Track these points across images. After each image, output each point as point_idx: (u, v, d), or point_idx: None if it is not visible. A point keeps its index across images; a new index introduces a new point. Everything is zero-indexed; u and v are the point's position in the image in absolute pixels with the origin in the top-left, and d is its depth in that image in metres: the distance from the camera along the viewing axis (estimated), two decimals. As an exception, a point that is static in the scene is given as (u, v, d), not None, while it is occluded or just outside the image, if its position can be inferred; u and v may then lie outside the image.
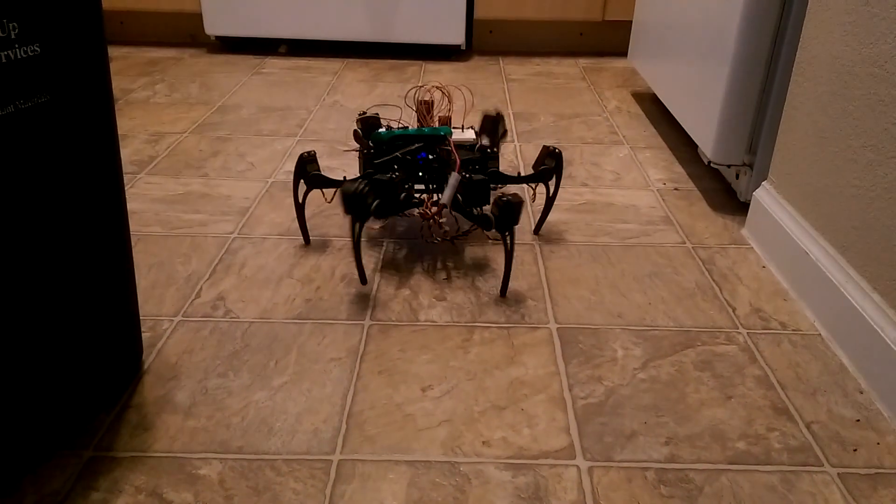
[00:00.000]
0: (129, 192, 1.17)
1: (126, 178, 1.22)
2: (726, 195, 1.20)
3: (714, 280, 0.96)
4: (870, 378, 0.76)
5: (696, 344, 0.83)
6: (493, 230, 0.90)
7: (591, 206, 1.16)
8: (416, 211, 0.93)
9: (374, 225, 1.09)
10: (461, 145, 1.01)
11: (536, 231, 1.08)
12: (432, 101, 1.08)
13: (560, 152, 1.00)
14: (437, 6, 1.92)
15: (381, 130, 1.02)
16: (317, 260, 0.98)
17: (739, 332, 0.85)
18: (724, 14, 1.09)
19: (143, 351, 0.80)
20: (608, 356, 0.80)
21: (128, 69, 1.86)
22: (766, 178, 1.05)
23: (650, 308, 0.89)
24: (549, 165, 1.00)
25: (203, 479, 0.63)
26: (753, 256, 1.02)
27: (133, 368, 0.76)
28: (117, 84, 1.74)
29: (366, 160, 1.01)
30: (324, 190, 1.04)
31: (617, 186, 1.24)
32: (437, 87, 1.16)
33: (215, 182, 1.22)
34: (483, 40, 2.15)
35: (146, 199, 1.15)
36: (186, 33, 2.14)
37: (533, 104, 1.66)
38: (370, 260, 0.98)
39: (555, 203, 1.14)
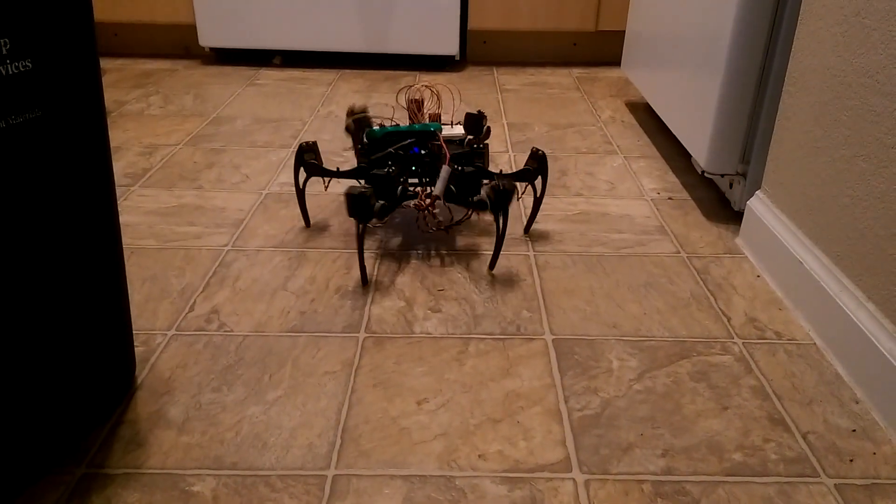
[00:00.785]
0: (123, 204, 1.17)
1: (119, 190, 1.22)
2: (720, 204, 1.21)
3: (709, 290, 0.96)
4: (865, 388, 0.76)
5: (692, 354, 0.83)
6: (489, 211, 0.98)
7: (586, 216, 1.16)
8: (411, 203, 1.00)
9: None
10: (450, 140, 1.07)
11: (526, 230, 1.10)
12: (422, 100, 1.14)
13: (544, 154, 1.06)
14: (432, 17, 1.93)
15: (374, 128, 1.07)
16: (311, 272, 0.98)
17: (735, 342, 0.85)
18: (717, 24, 1.09)
19: (137, 366, 0.79)
20: (604, 367, 0.80)
21: (122, 81, 1.86)
22: (759, 188, 1.06)
23: (645, 318, 0.89)
24: (532, 167, 1.06)
25: (197, 495, 0.63)
26: (748, 266, 1.02)
27: (126, 384, 0.76)
28: (111, 96, 1.74)
29: (361, 155, 1.07)
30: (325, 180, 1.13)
31: (611, 196, 1.24)
32: (427, 87, 1.19)
33: (209, 194, 1.21)
34: (477, 51, 2.16)
35: (140, 211, 1.14)
36: (181, 45, 2.14)
37: (527, 114, 1.66)
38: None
39: (550, 213, 1.16)
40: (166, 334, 0.85)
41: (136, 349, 0.82)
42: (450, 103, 1.72)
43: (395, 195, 0.97)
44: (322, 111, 1.65)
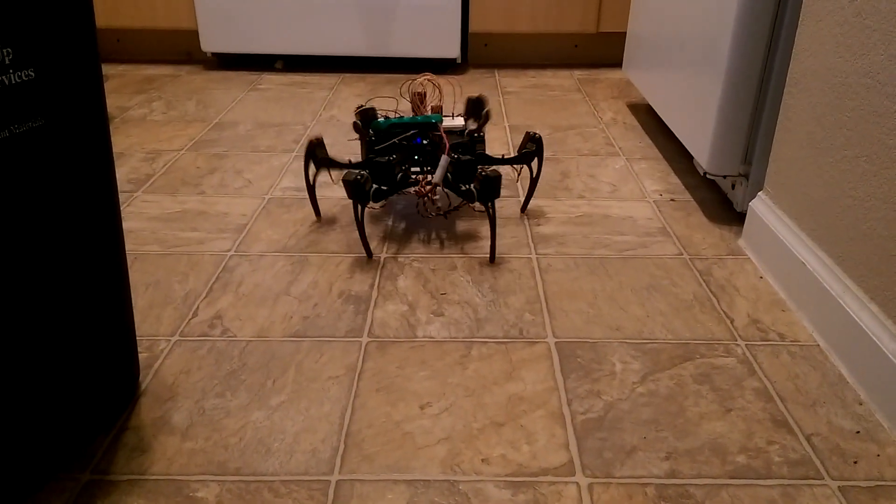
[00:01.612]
0: (126, 210, 1.17)
1: (123, 196, 1.22)
2: (722, 206, 1.21)
3: (712, 291, 0.96)
4: (869, 389, 0.76)
5: (695, 356, 0.83)
6: (477, 202, 1.01)
7: (588, 218, 1.16)
8: (412, 189, 1.07)
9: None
10: (451, 130, 1.13)
11: (523, 209, 1.18)
12: (425, 93, 1.19)
13: (540, 136, 1.11)
14: (433, 20, 1.93)
15: (379, 120, 1.13)
16: (314, 277, 0.98)
17: (738, 344, 0.85)
18: (718, 25, 1.09)
19: (140, 372, 0.79)
20: (607, 370, 0.80)
21: (124, 87, 1.87)
22: (761, 189, 1.06)
23: (648, 321, 0.89)
24: (530, 149, 1.12)
25: (201, 501, 0.63)
26: (751, 267, 1.02)
27: (130, 390, 0.76)
28: (114, 102, 1.74)
29: (368, 146, 1.12)
30: (331, 171, 1.18)
31: (613, 198, 1.24)
32: (429, 80, 1.22)
33: (212, 199, 1.22)
34: (478, 53, 2.16)
35: (143, 217, 1.15)
36: (183, 50, 2.15)
37: (529, 116, 1.66)
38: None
39: (553, 216, 1.16)
40: (170, 340, 0.85)
41: (139, 355, 0.82)
42: (451, 96, 1.74)
43: (394, 181, 1.03)
44: (324, 115, 1.65)
